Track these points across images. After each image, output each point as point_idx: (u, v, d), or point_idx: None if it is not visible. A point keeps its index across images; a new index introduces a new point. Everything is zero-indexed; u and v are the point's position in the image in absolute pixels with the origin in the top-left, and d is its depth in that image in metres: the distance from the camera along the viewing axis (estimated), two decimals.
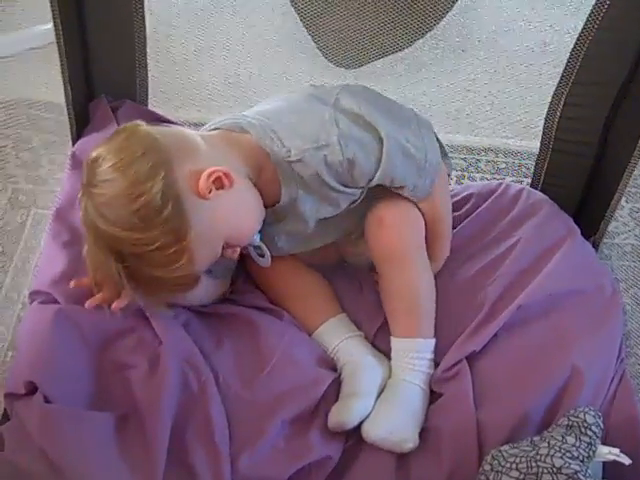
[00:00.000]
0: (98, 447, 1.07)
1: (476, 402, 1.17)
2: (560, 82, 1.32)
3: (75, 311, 1.18)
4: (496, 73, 1.89)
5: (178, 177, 1.04)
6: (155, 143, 1.05)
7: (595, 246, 1.40)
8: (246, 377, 1.19)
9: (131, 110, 1.46)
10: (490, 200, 1.41)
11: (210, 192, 1.06)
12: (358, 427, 1.16)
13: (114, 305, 1.12)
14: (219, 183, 1.08)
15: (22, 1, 1.83)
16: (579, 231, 1.36)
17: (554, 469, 1.01)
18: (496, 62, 1.91)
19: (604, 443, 1.09)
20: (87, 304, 1.14)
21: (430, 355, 1.24)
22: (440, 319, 1.27)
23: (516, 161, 1.74)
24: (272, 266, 1.22)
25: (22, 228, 1.54)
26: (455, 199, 1.42)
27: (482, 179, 1.67)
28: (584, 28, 1.24)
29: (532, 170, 1.49)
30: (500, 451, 1.07)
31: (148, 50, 1.47)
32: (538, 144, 1.43)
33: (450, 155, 1.71)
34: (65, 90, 1.37)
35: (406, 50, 1.84)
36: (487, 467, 1.06)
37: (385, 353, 1.27)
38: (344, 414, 1.16)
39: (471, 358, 1.22)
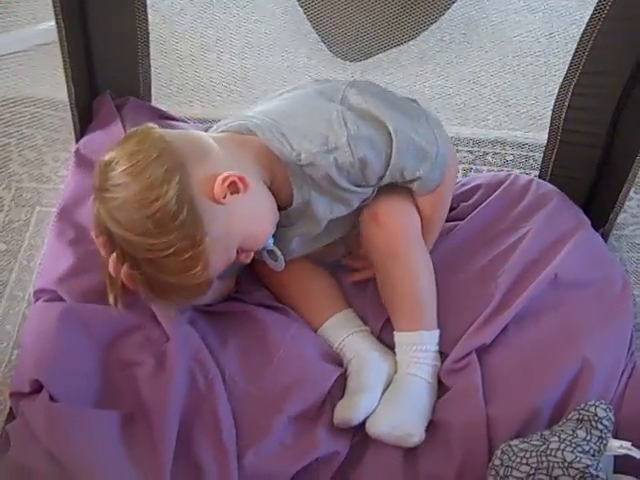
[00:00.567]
0: (104, 445, 1.06)
1: (486, 396, 1.16)
2: (568, 72, 1.31)
3: (81, 309, 1.18)
4: (502, 64, 1.88)
5: (193, 181, 1.02)
6: (169, 146, 1.03)
7: (605, 237, 1.39)
8: (252, 373, 1.18)
9: (135, 107, 1.45)
10: (499, 191, 1.40)
11: (225, 197, 1.04)
12: (365, 424, 1.16)
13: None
14: (234, 187, 1.06)
15: None
16: (589, 222, 1.35)
17: (565, 463, 1.00)
18: (502, 53, 1.89)
19: (615, 437, 1.08)
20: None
21: (434, 347, 1.23)
22: (450, 311, 1.26)
23: (523, 153, 1.73)
24: None
25: (26, 226, 1.54)
26: (463, 189, 1.41)
27: (489, 172, 1.65)
28: (591, 18, 1.23)
29: (540, 162, 1.48)
30: (510, 445, 1.06)
31: (151, 46, 1.46)
32: (546, 136, 1.42)
33: (456, 148, 1.71)
34: (68, 87, 1.36)
35: (411, 42, 1.84)
36: (497, 462, 1.05)
37: (392, 348, 1.26)
38: (350, 410, 1.15)
39: (481, 351, 1.21)
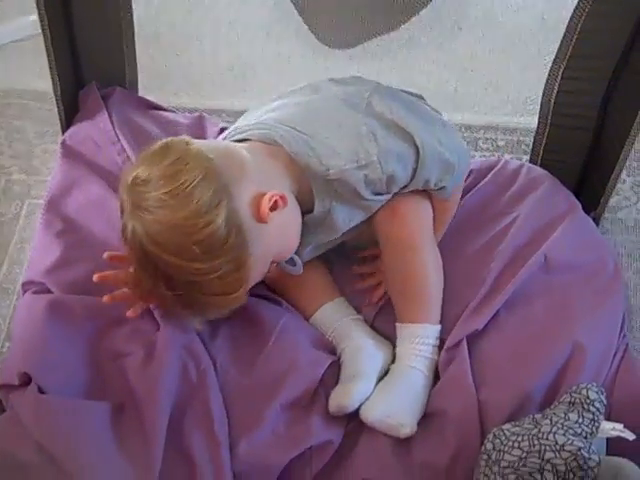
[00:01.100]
0: (94, 437, 1.06)
1: (477, 382, 1.16)
2: (557, 56, 1.31)
3: (69, 300, 1.17)
4: (494, 50, 1.87)
5: (239, 204, 1.01)
6: (212, 165, 1.01)
7: (596, 221, 1.39)
8: (243, 363, 1.18)
9: (122, 97, 1.45)
10: (489, 176, 1.40)
11: (268, 216, 1.04)
12: (359, 410, 1.15)
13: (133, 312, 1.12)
14: (275, 205, 1.06)
15: None
16: (580, 206, 1.35)
17: (557, 446, 1.00)
18: (493, 39, 1.89)
19: (608, 419, 1.08)
20: (129, 314, 1.12)
21: (434, 341, 1.22)
22: (444, 295, 1.26)
23: (515, 138, 1.73)
24: None
25: (16, 219, 1.54)
26: None
27: (481, 157, 1.65)
28: (580, 1, 1.22)
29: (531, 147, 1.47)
30: (502, 430, 1.06)
31: (139, 37, 1.46)
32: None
33: None
34: (52, 79, 1.35)
35: (402, 29, 1.83)
36: (489, 446, 1.05)
37: (385, 336, 1.26)
38: (344, 398, 1.15)
39: (472, 337, 1.21)
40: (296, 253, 1.17)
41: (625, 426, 1.05)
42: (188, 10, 1.88)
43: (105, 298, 1.12)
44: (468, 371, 1.16)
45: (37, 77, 1.62)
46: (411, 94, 1.28)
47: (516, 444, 1.02)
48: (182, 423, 1.10)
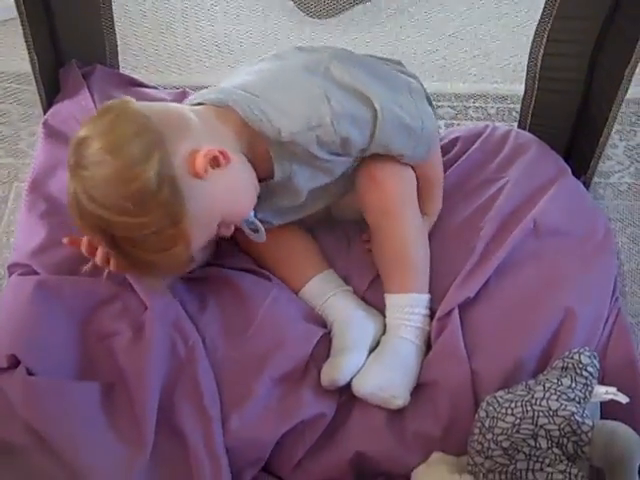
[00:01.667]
0: (84, 417, 1.06)
1: (469, 351, 1.15)
2: (541, 18, 1.30)
3: (56, 281, 1.17)
4: (482, 16, 1.86)
5: (173, 158, 1.00)
6: (147, 122, 1.01)
7: (586, 185, 1.38)
8: (233, 337, 1.17)
9: (103, 75, 1.43)
10: (478, 143, 1.39)
11: (206, 172, 1.03)
12: (351, 383, 1.15)
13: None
14: (215, 162, 1.04)
15: None
16: (570, 170, 1.34)
17: (550, 412, 0.99)
18: (481, 4, 1.87)
19: (602, 383, 1.08)
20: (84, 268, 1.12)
21: (424, 310, 1.21)
22: (434, 265, 1.25)
23: (505, 106, 1.72)
24: None
25: (4, 202, 1.53)
26: (442, 143, 1.39)
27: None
28: None
29: None
30: (495, 397, 1.05)
31: (123, 15, 1.44)
32: None
33: (438, 104, 1.70)
34: (30, 58, 1.34)
35: None
36: (482, 414, 1.05)
37: (377, 308, 1.25)
38: (336, 371, 1.14)
39: (463, 306, 1.20)
40: (261, 218, 1.16)
41: (618, 389, 1.04)
42: None
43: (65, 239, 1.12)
44: (460, 340, 1.16)
45: (20, 59, 1.61)
46: (390, 61, 1.26)
47: (509, 411, 1.02)
48: (172, 400, 1.10)
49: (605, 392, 1.04)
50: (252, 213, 1.14)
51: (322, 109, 1.09)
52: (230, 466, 1.06)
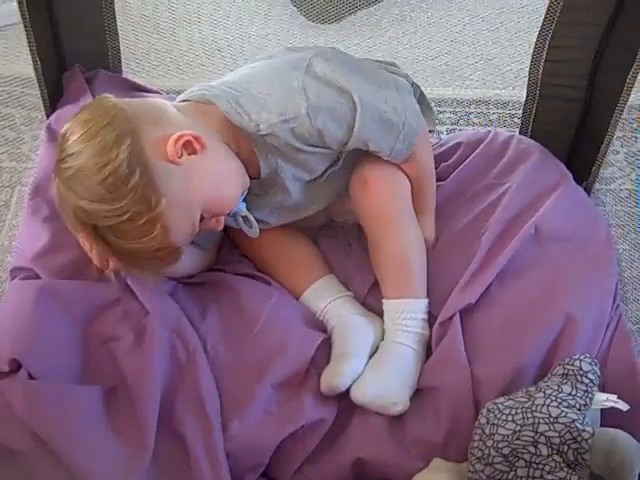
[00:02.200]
0: (86, 422, 1.06)
1: (470, 357, 1.15)
2: (543, 24, 1.30)
3: (58, 285, 1.17)
4: (484, 22, 1.86)
5: (145, 143, 1.02)
6: (121, 113, 1.03)
7: (588, 191, 1.38)
8: (233, 343, 1.17)
9: (106, 79, 1.44)
10: (480, 148, 1.38)
11: (181, 157, 1.04)
12: (350, 390, 1.15)
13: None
14: (190, 148, 1.05)
15: None
16: (571, 176, 1.34)
17: (551, 419, 1.00)
18: (484, 10, 1.87)
19: (602, 390, 1.08)
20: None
21: (422, 315, 1.21)
22: (435, 269, 1.25)
23: (507, 112, 1.72)
24: None
25: (7, 206, 1.53)
26: (443, 148, 1.40)
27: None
28: None
29: None
30: (495, 403, 1.06)
31: (126, 20, 1.45)
32: None
33: (440, 109, 1.70)
34: (34, 62, 1.34)
35: (392, 5, 1.82)
36: (483, 420, 1.05)
37: (378, 313, 1.25)
38: (335, 377, 1.14)
39: (464, 311, 1.20)
40: (255, 217, 1.17)
41: (619, 397, 1.04)
42: None
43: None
44: (461, 346, 1.15)
45: (23, 63, 1.61)
46: (383, 62, 1.27)
47: (510, 417, 1.02)
48: (173, 405, 1.10)
49: (606, 399, 1.04)
50: (243, 206, 1.15)
51: (298, 101, 1.09)
52: (230, 471, 1.06)
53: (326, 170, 1.20)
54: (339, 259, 1.31)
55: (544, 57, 1.31)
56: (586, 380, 1.05)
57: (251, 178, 1.15)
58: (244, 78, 1.16)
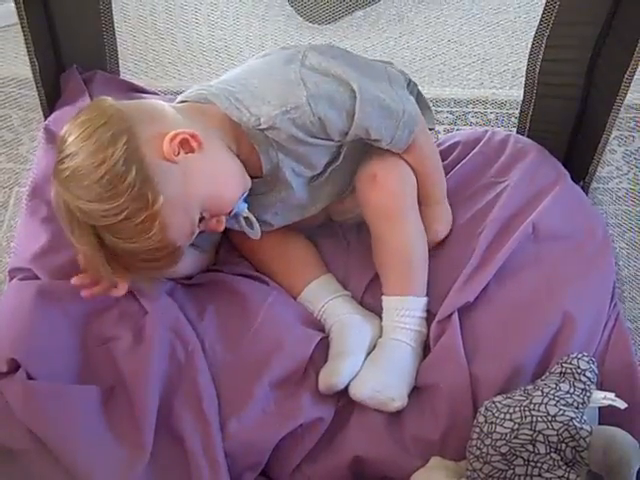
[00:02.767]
0: (84, 422, 1.06)
1: (469, 355, 1.15)
2: (540, 24, 1.30)
3: (57, 286, 1.17)
4: (481, 22, 1.86)
5: (142, 142, 1.02)
6: (118, 113, 1.03)
7: (585, 190, 1.38)
8: (231, 342, 1.18)
9: (103, 80, 1.44)
10: (477, 148, 1.39)
11: (178, 155, 1.04)
12: (349, 387, 1.15)
13: (94, 291, 1.12)
14: (187, 146, 1.05)
15: None
16: (569, 175, 1.34)
17: (548, 417, 1.00)
18: (481, 10, 1.87)
19: (600, 388, 1.08)
20: (73, 280, 1.13)
21: (421, 313, 1.22)
22: (434, 268, 1.25)
23: (505, 111, 1.72)
24: None
25: (5, 207, 1.53)
26: (441, 148, 1.40)
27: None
28: None
29: None
30: (494, 402, 1.06)
31: (123, 21, 1.45)
32: None
33: (437, 109, 1.70)
34: (31, 63, 1.34)
35: (389, 5, 1.82)
36: (481, 419, 1.05)
37: (375, 311, 1.25)
38: (333, 376, 1.14)
39: (463, 310, 1.20)
40: (259, 216, 1.17)
41: (617, 395, 1.04)
42: None
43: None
44: (459, 344, 1.16)
45: (21, 64, 1.61)
46: (380, 62, 1.27)
47: (508, 416, 1.02)
48: (172, 404, 1.10)
49: (603, 397, 1.04)
50: (244, 206, 1.15)
51: (298, 91, 1.09)
52: (229, 470, 1.06)
53: (327, 167, 1.20)
54: (337, 258, 1.31)
55: (541, 56, 1.32)
56: (584, 378, 1.05)
57: (253, 177, 1.15)
58: (241, 75, 1.16)
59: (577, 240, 1.25)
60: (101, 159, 1.00)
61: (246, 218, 1.16)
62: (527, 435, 0.99)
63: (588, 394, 1.04)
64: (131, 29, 1.69)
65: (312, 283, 1.25)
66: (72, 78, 1.43)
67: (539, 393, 1.03)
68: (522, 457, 0.99)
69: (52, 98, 1.42)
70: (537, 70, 1.33)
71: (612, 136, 1.32)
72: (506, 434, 1.00)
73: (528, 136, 1.42)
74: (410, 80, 1.29)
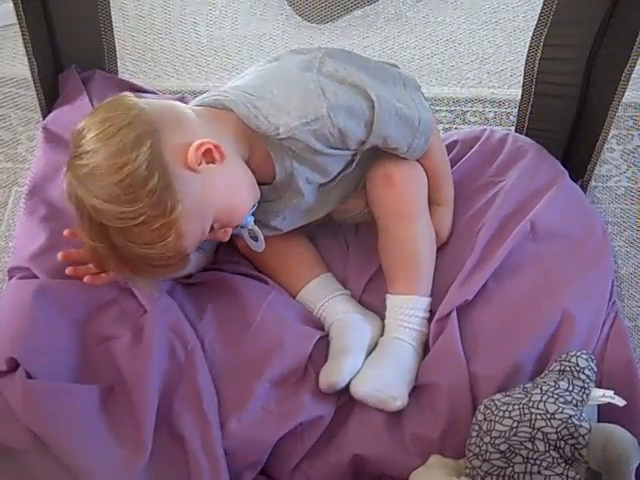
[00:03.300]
0: (84, 420, 1.06)
1: (468, 354, 1.15)
2: (538, 23, 1.30)
3: (56, 285, 1.17)
4: (480, 21, 1.87)
5: (166, 148, 1.00)
6: (142, 113, 1.02)
7: (583, 188, 1.38)
8: (231, 341, 1.17)
9: (102, 80, 1.44)
10: (476, 147, 1.39)
11: (200, 165, 1.03)
12: (349, 386, 1.15)
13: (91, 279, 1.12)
14: (210, 157, 1.04)
15: None
16: (567, 173, 1.34)
17: (548, 415, 1.00)
18: (479, 9, 1.88)
19: (599, 386, 1.08)
20: (67, 270, 1.13)
21: (424, 314, 1.22)
22: (435, 268, 1.26)
23: (503, 110, 1.72)
24: None
25: (4, 207, 1.54)
26: None
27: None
28: None
29: None
30: (493, 400, 1.06)
31: (121, 20, 1.45)
32: None
33: (436, 108, 1.71)
34: (30, 63, 1.34)
35: (388, 4, 1.82)
36: (480, 417, 1.05)
37: (374, 310, 1.25)
38: (333, 374, 1.14)
39: (461, 308, 1.20)
40: (267, 222, 1.17)
41: (615, 392, 1.04)
42: None
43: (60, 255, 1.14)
44: (458, 342, 1.16)
45: (19, 64, 1.62)
46: (387, 64, 1.27)
47: (507, 414, 1.02)
48: (172, 403, 1.10)
49: (602, 395, 1.04)
50: (251, 219, 1.14)
51: (318, 102, 1.09)
52: (229, 469, 1.06)
53: (339, 173, 1.20)
54: (336, 258, 1.31)
55: (539, 55, 1.32)
56: (583, 376, 1.05)
57: (263, 184, 1.14)
58: (256, 81, 1.15)
59: (576, 238, 1.25)
60: (124, 161, 0.98)
61: (251, 230, 1.15)
62: (526, 433, 0.99)
63: (587, 392, 1.04)
64: (130, 29, 1.69)
65: (311, 282, 1.25)
66: (71, 78, 1.42)
67: (538, 391, 1.04)
68: (521, 454, 1.00)
69: (51, 98, 1.42)
70: (535, 69, 1.34)
71: (610, 134, 1.32)
72: (505, 432, 1.00)
73: (526, 135, 1.42)
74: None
